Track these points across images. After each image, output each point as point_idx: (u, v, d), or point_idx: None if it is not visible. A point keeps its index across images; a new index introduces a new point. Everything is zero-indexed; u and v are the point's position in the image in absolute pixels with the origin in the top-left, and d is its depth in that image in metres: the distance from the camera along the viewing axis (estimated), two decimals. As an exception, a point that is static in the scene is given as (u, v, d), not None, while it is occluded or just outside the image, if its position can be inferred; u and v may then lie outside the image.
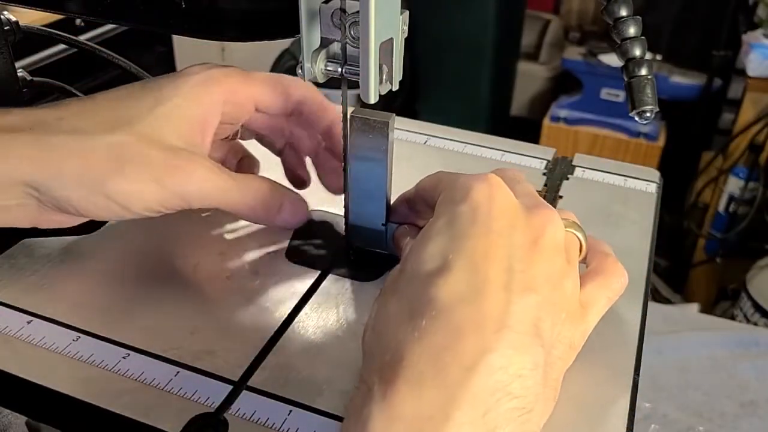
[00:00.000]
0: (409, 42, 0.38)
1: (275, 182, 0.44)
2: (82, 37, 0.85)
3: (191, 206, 0.39)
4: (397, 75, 0.37)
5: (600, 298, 0.36)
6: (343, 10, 0.35)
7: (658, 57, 2.02)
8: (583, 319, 0.34)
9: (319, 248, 0.47)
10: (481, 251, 0.29)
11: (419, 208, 0.41)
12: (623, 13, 0.35)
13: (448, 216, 0.31)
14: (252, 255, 0.46)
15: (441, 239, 0.30)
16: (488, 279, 0.28)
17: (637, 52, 0.36)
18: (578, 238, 0.35)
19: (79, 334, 0.39)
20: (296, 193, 0.45)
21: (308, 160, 0.49)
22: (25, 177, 0.35)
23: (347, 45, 0.37)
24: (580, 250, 0.36)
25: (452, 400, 0.26)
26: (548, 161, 0.58)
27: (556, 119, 2.15)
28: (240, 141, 0.49)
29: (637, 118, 0.37)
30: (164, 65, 1.28)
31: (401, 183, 0.45)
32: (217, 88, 0.40)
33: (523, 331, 0.28)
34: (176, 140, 0.38)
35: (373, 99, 0.36)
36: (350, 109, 0.41)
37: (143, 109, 0.38)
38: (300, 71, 0.38)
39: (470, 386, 0.26)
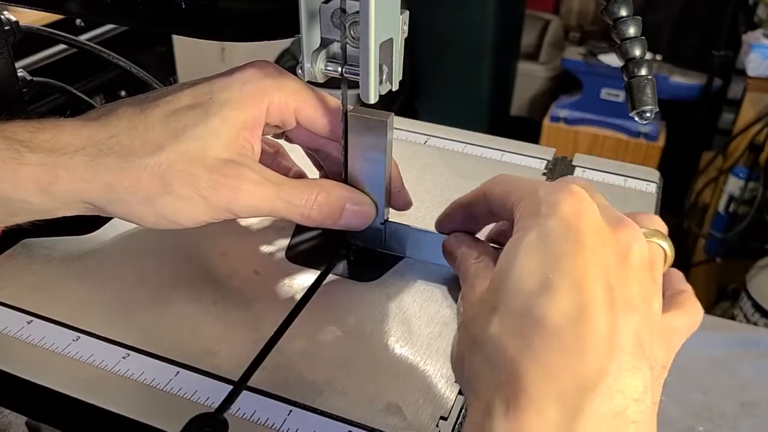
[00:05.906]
0: (409, 42, 0.38)
1: (336, 184, 0.42)
2: (82, 37, 0.85)
3: (240, 217, 0.39)
4: (397, 75, 0.37)
5: (681, 326, 0.33)
6: (343, 10, 0.35)
7: (658, 57, 2.02)
8: (669, 340, 0.32)
9: (319, 248, 0.47)
10: (580, 269, 0.28)
11: (479, 214, 0.39)
12: (623, 13, 0.35)
13: (538, 230, 0.30)
14: (252, 255, 0.46)
15: (535, 255, 0.29)
16: (592, 299, 0.28)
17: (637, 52, 0.36)
18: (663, 249, 0.33)
19: (79, 334, 0.39)
20: (361, 194, 0.43)
21: None
22: (83, 196, 0.37)
23: (347, 45, 0.37)
24: (665, 261, 0.34)
25: (575, 420, 0.26)
26: (548, 161, 0.58)
27: (556, 119, 2.15)
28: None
29: (637, 118, 0.37)
30: (164, 65, 1.28)
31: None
32: (267, 100, 0.39)
33: (632, 351, 0.28)
34: (225, 152, 0.37)
35: (373, 99, 0.36)
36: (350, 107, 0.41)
37: (191, 123, 0.37)
38: (300, 71, 0.38)
39: (593, 409, 0.26)
